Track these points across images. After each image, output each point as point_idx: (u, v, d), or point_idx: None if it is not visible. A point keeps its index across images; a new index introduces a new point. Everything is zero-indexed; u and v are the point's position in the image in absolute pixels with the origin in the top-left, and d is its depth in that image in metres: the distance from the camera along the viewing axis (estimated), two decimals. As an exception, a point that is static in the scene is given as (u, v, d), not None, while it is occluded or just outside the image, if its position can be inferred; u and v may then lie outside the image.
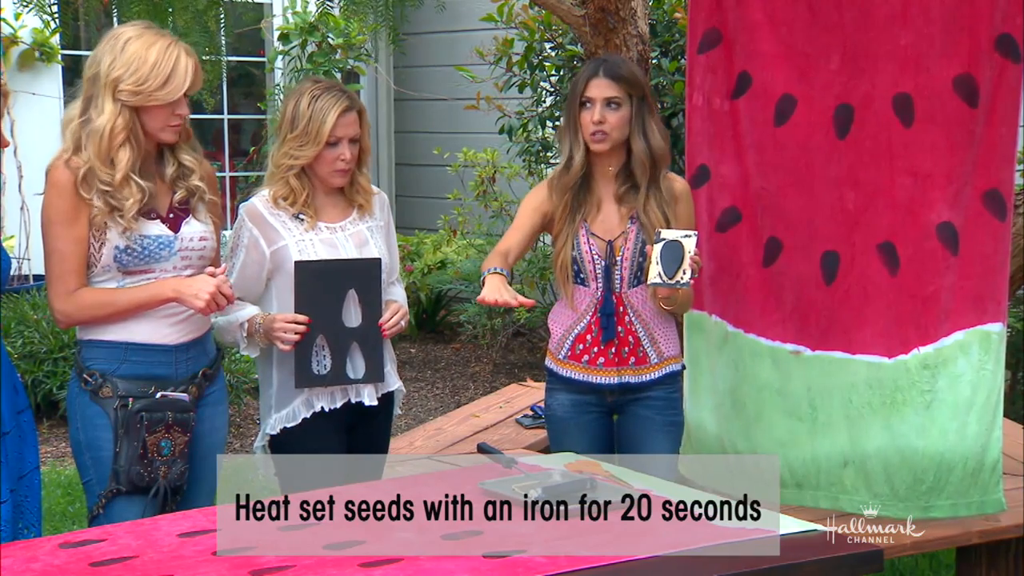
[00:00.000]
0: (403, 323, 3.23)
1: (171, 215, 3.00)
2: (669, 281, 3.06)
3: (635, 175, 3.25)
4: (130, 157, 2.90)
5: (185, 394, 2.97)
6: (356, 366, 3.21)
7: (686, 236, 3.07)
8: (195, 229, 3.02)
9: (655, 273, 3.07)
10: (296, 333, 3.10)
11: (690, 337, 3.52)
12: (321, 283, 3.13)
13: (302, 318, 3.11)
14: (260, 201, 3.21)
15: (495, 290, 3.02)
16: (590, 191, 3.27)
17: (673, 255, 3.06)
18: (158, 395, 2.93)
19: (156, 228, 2.95)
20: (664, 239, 3.08)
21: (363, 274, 3.20)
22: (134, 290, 2.94)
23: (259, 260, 3.17)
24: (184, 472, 2.96)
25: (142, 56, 2.89)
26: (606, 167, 3.27)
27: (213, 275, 2.94)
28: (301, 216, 3.19)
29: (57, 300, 2.93)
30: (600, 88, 3.22)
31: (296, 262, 3.13)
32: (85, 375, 2.95)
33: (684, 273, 3.05)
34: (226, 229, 8.69)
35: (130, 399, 2.91)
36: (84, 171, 2.88)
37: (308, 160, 3.17)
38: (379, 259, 3.25)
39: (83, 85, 2.96)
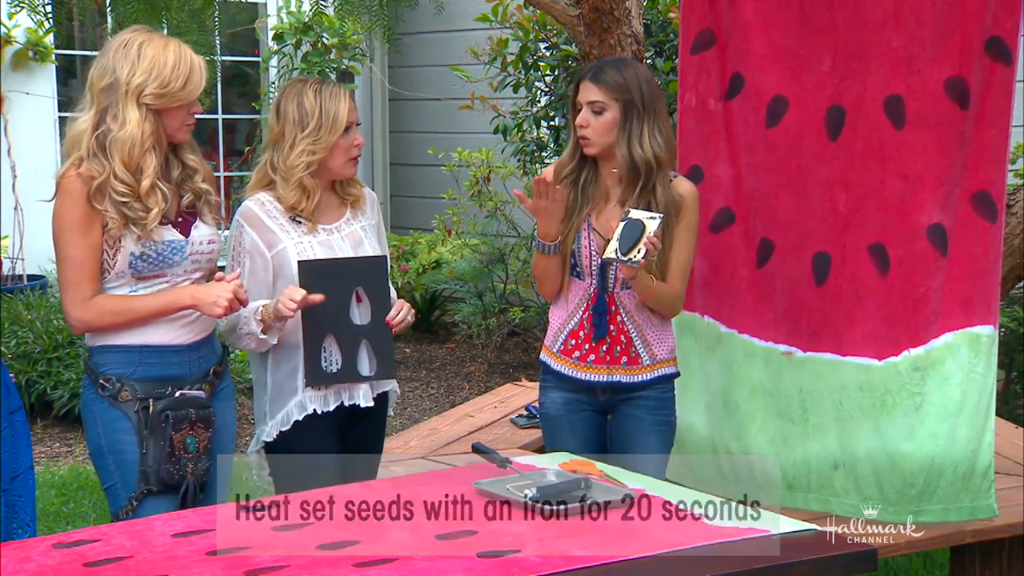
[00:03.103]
0: (409, 318, 3.24)
1: (180, 219, 3.01)
2: (623, 258, 3.07)
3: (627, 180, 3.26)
4: (156, 163, 2.93)
5: (201, 392, 2.99)
6: (366, 363, 3.22)
7: (651, 217, 3.10)
8: (204, 233, 3.04)
9: (611, 248, 3.09)
10: (293, 302, 3.06)
11: (680, 339, 3.52)
12: (326, 282, 3.14)
13: (299, 292, 3.07)
14: (255, 204, 3.20)
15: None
16: (598, 185, 3.29)
17: (632, 233, 3.08)
18: (177, 394, 2.95)
19: (169, 233, 2.97)
20: (629, 217, 3.10)
21: (370, 271, 3.22)
22: (152, 297, 2.95)
23: (263, 264, 3.17)
24: (208, 468, 2.98)
25: (161, 59, 2.91)
26: (610, 168, 3.28)
27: (226, 279, 2.95)
28: (299, 218, 3.19)
29: (74, 307, 2.93)
30: (585, 92, 3.24)
31: (300, 261, 3.13)
32: (101, 380, 2.96)
33: (638, 252, 3.07)
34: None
35: (150, 400, 2.93)
36: (99, 182, 2.88)
37: (326, 151, 3.15)
38: (385, 256, 3.28)
39: (92, 96, 2.94)
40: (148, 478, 2.91)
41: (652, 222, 3.08)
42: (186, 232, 3.00)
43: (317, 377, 3.17)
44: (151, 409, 2.91)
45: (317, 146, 3.15)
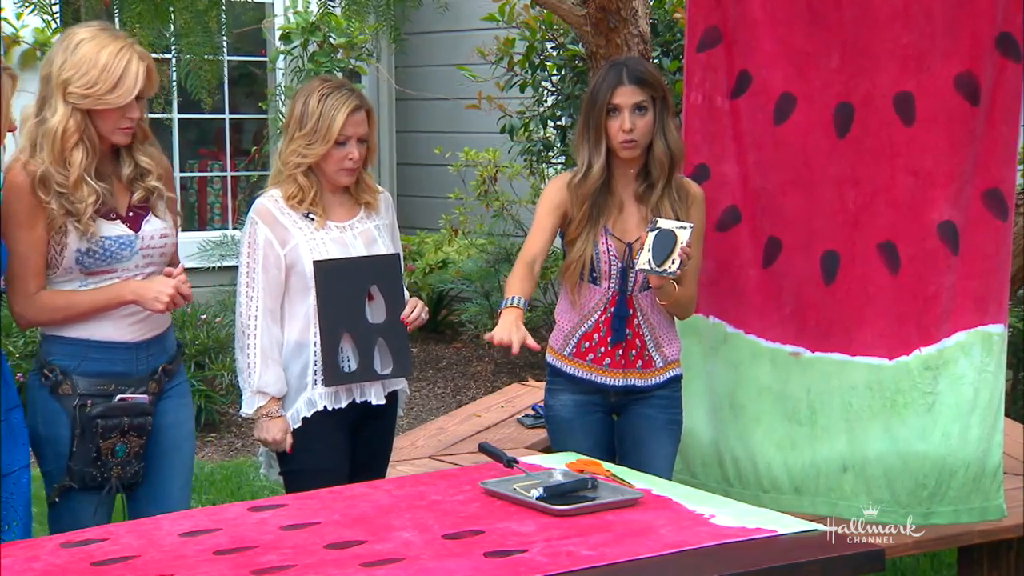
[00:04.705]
0: (424, 316, 3.26)
1: (131, 214, 3.01)
2: (657, 269, 3.07)
3: (652, 174, 3.25)
4: (83, 158, 2.91)
5: (144, 395, 2.99)
6: (383, 361, 3.23)
7: (681, 227, 3.09)
8: (156, 227, 3.03)
9: (645, 260, 3.09)
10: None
11: (683, 340, 3.50)
12: (342, 281, 3.17)
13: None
14: (269, 201, 3.22)
15: (505, 329, 3.04)
16: (611, 194, 3.27)
17: (665, 243, 3.07)
18: (116, 398, 2.95)
19: (116, 229, 2.97)
20: (658, 228, 3.09)
21: (384, 270, 3.24)
22: (93, 293, 2.96)
23: (275, 261, 3.18)
24: (139, 471, 3.00)
25: (92, 58, 2.89)
26: (627, 169, 3.27)
27: (171, 275, 2.96)
28: (311, 215, 3.21)
29: (16, 303, 2.95)
30: (627, 95, 3.20)
31: (315, 262, 3.15)
32: (45, 370, 2.98)
33: (673, 262, 3.06)
34: (226, 228, 8.62)
35: (88, 401, 2.94)
36: (41, 172, 2.89)
37: (316, 158, 3.19)
38: (398, 254, 3.31)
39: (39, 84, 2.97)
40: (72, 475, 2.93)
41: (683, 231, 3.08)
42: (136, 227, 3.00)
43: (335, 377, 3.18)
44: (88, 410, 2.92)
45: (308, 150, 3.18)
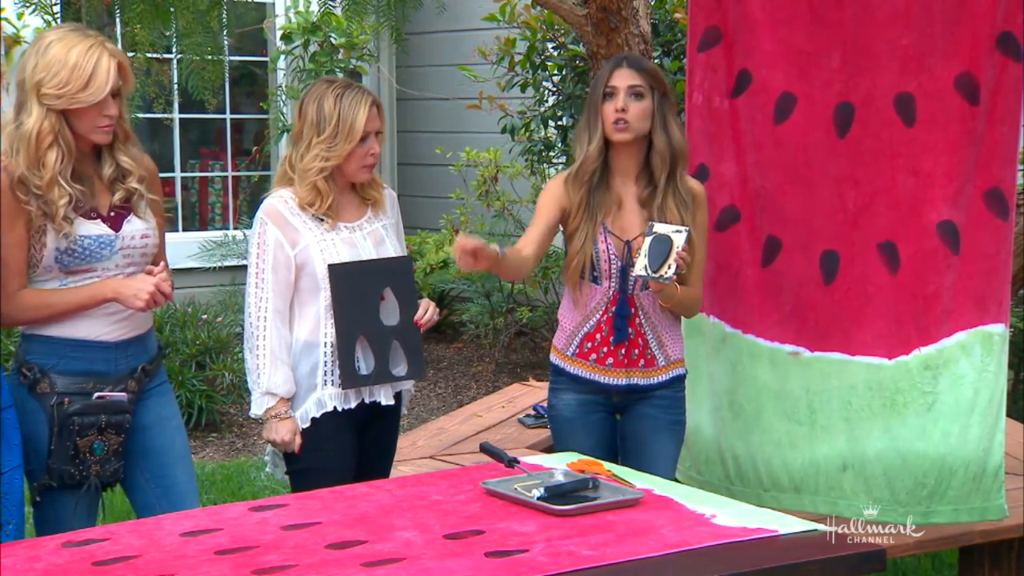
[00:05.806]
0: (435, 317, 3.28)
1: (112, 213, 3.02)
2: (653, 274, 3.08)
3: (654, 173, 3.26)
4: (58, 159, 2.92)
5: (123, 393, 3.00)
6: (398, 363, 3.25)
7: (676, 231, 3.09)
8: (137, 227, 3.04)
9: (641, 265, 3.09)
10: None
11: (687, 339, 3.51)
12: (356, 284, 3.18)
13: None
14: (278, 201, 3.22)
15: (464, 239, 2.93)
16: (609, 189, 3.27)
17: (661, 249, 3.08)
18: (95, 396, 2.96)
19: (96, 228, 2.98)
20: (655, 232, 3.09)
21: (397, 272, 3.26)
22: (73, 291, 2.97)
23: (285, 263, 3.19)
24: (118, 469, 3.01)
25: (63, 58, 2.90)
26: (625, 163, 3.27)
27: (152, 273, 2.97)
28: (322, 216, 3.21)
29: None
30: (623, 77, 3.24)
31: (330, 265, 3.16)
32: (24, 369, 2.99)
33: (669, 268, 3.07)
34: (227, 228, 8.61)
35: (66, 399, 2.95)
36: (19, 174, 2.90)
37: (341, 159, 3.18)
38: (410, 257, 3.33)
39: (15, 90, 2.98)
40: (52, 474, 2.95)
41: (679, 236, 3.08)
42: (117, 227, 3.01)
43: (351, 380, 3.19)
44: (65, 408, 2.94)
45: (331, 152, 3.17)
